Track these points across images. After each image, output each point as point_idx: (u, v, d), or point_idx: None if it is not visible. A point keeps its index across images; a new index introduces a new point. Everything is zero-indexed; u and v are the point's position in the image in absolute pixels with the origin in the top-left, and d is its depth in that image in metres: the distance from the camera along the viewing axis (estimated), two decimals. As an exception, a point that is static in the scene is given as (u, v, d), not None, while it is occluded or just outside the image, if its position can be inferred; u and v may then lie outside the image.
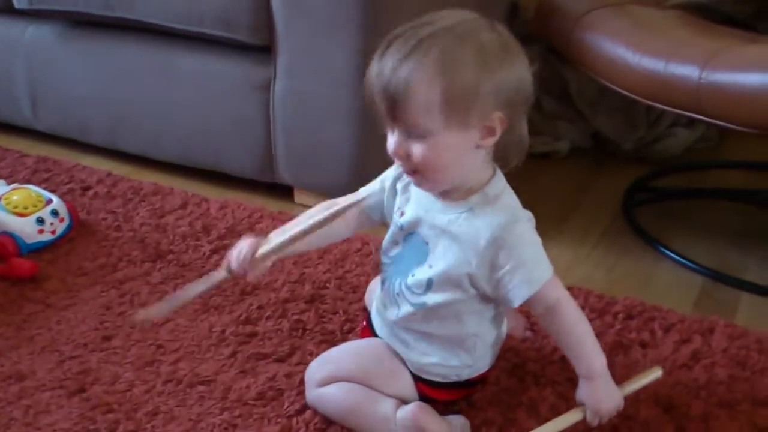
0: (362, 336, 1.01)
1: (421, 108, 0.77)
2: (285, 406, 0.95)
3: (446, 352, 0.89)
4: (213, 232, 1.34)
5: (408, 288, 0.88)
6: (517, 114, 0.81)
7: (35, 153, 1.65)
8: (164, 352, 1.05)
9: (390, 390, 0.90)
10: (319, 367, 0.94)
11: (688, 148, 1.74)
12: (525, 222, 0.84)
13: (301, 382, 0.97)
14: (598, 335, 1.07)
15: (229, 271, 0.92)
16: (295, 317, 1.11)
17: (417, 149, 0.79)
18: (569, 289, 1.16)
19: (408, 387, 0.91)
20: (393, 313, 0.91)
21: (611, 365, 1.01)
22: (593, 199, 1.55)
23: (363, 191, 0.96)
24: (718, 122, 1.15)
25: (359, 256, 1.27)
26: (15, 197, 1.30)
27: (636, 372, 1.01)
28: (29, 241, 1.26)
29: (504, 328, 0.96)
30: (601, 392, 0.85)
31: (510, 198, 0.86)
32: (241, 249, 0.91)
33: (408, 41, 0.77)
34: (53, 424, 0.92)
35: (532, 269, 0.82)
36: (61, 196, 1.37)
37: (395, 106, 0.78)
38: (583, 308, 1.13)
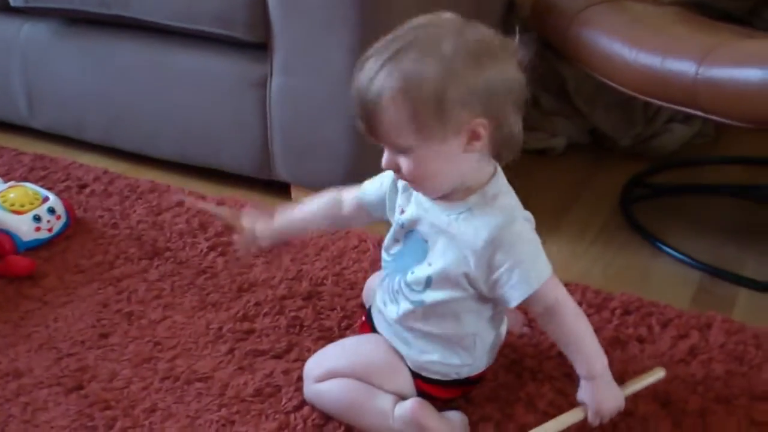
0: (361, 332, 1.01)
1: (393, 128, 0.78)
2: (283, 403, 0.95)
3: (446, 350, 0.89)
4: (210, 229, 1.34)
5: (407, 285, 0.88)
6: (504, 115, 0.79)
7: (32, 151, 1.65)
8: (162, 349, 1.05)
9: (388, 386, 0.90)
10: (317, 363, 0.94)
11: (686, 143, 1.74)
12: (523, 222, 0.84)
13: (299, 378, 0.97)
14: (596, 331, 1.07)
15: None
16: (293, 314, 1.11)
17: (403, 163, 0.81)
18: (566, 284, 1.17)
19: (406, 383, 0.91)
20: (392, 311, 0.91)
21: (609, 361, 1.02)
22: (591, 195, 1.55)
23: (366, 185, 0.97)
24: (714, 118, 1.15)
25: (356, 252, 1.27)
26: (12, 195, 1.30)
27: (633, 367, 1.01)
28: (26, 238, 1.26)
29: (504, 328, 0.96)
30: (603, 392, 0.85)
31: (509, 197, 0.86)
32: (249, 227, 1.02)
33: (378, 58, 0.77)
34: (51, 421, 0.92)
35: (530, 269, 0.82)
36: (57, 194, 1.37)
37: (370, 126, 0.80)
38: (580, 304, 1.13)
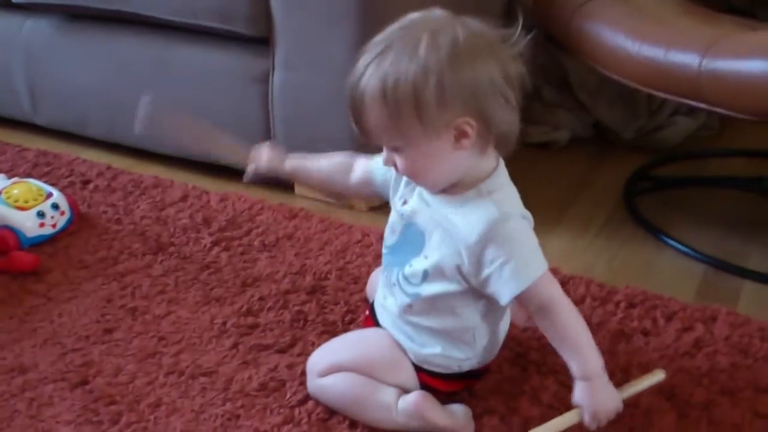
0: (365, 326, 1.01)
1: (378, 128, 0.79)
2: (287, 397, 0.95)
3: (447, 343, 0.89)
4: (214, 224, 1.34)
5: (405, 278, 0.88)
6: (491, 112, 0.78)
7: (35, 147, 1.65)
8: (166, 344, 1.05)
9: (391, 379, 0.90)
10: (320, 358, 0.94)
11: (690, 136, 1.73)
12: (518, 219, 0.83)
13: (303, 372, 0.97)
14: (600, 324, 1.08)
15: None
16: (297, 308, 1.11)
17: (398, 161, 0.82)
18: (570, 278, 1.18)
19: (409, 376, 0.91)
20: (392, 304, 0.92)
21: (613, 354, 1.02)
22: (594, 189, 1.54)
23: (377, 160, 0.95)
24: (718, 110, 1.15)
25: (360, 247, 1.27)
26: (15, 191, 1.30)
27: (638, 360, 1.01)
28: (30, 234, 1.26)
29: (507, 321, 0.96)
30: (599, 394, 0.82)
31: (506, 194, 0.85)
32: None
33: (367, 57, 0.78)
34: (56, 416, 0.93)
35: (522, 266, 0.81)
36: (61, 190, 1.37)
37: (359, 125, 0.81)
38: (584, 297, 1.14)
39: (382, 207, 0.97)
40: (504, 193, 0.84)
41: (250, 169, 1.04)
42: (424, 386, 0.91)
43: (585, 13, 1.36)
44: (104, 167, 1.55)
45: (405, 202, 0.90)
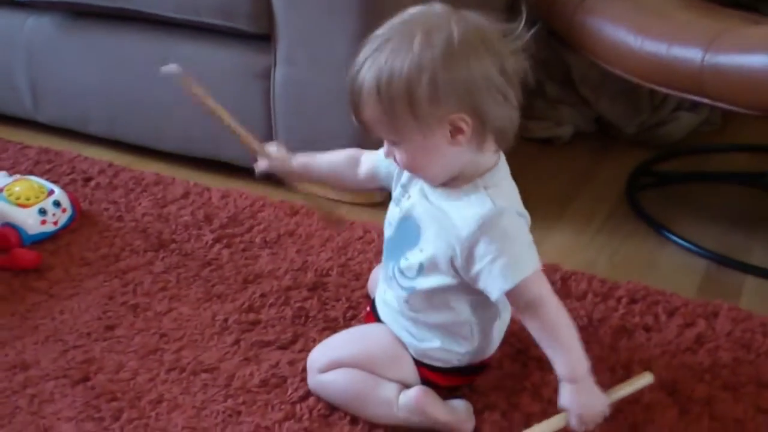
0: (366, 322, 1.01)
1: (374, 122, 0.80)
2: (288, 393, 0.95)
3: (446, 337, 0.89)
4: (215, 221, 1.34)
5: (401, 272, 0.89)
6: (486, 109, 0.78)
7: (37, 144, 1.65)
8: (168, 340, 1.05)
9: (392, 375, 0.90)
10: (321, 354, 0.94)
11: (692, 131, 1.73)
12: (512, 215, 0.82)
13: (304, 369, 0.97)
14: (602, 320, 1.08)
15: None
16: (298, 305, 1.11)
17: (397, 154, 0.83)
18: (572, 273, 1.18)
19: (410, 372, 0.91)
20: (391, 298, 0.92)
21: (615, 349, 1.02)
22: (596, 184, 1.54)
23: (381, 153, 0.95)
24: (721, 105, 1.14)
25: (361, 243, 1.27)
26: (17, 188, 1.30)
27: (640, 356, 1.01)
28: (32, 231, 1.26)
29: (507, 316, 0.96)
30: (586, 396, 0.81)
31: (503, 190, 0.84)
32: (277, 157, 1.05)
33: (365, 52, 0.79)
34: (58, 413, 0.93)
35: (513, 263, 0.80)
36: (63, 187, 1.37)
37: (358, 118, 0.82)
38: (586, 293, 1.14)
39: (384, 203, 0.97)
40: (501, 188, 0.84)
41: (262, 165, 1.06)
42: (425, 381, 0.91)
43: (587, 8, 1.36)
44: (106, 164, 1.55)
45: (406, 195, 0.90)
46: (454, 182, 0.84)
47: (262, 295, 1.14)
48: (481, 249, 0.80)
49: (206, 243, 1.28)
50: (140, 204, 1.41)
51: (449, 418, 0.88)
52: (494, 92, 0.78)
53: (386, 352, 0.91)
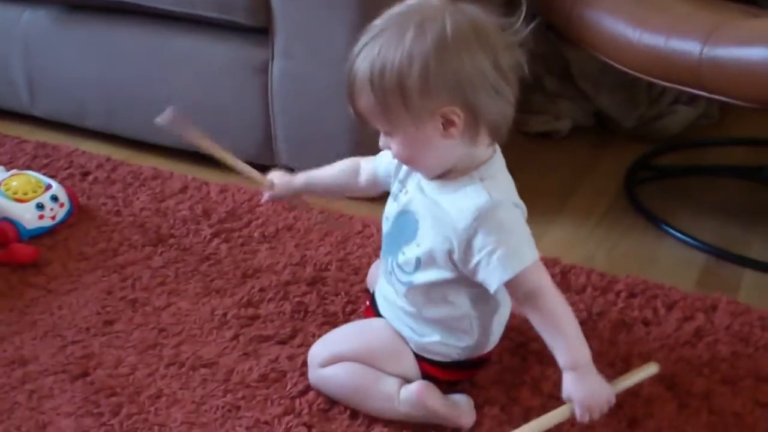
0: (366, 317, 1.02)
1: (367, 112, 0.81)
2: (288, 388, 0.95)
3: (446, 332, 0.89)
4: (213, 215, 1.34)
5: (399, 266, 0.89)
6: (478, 102, 0.78)
7: (34, 139, 1.64)
8: (167, 335, 1.05)
9: (393, 369, 0.90)
10: (321, 348, 0.94)
11: (690, 125, 1.73)
12: (509, 207, 0.82)
13: (304, 363, 0.97)
14: (601, 314, 1.08)
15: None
16: (297, 299, 1.11)
17: (392, 145, 0.83)
18: (571, 267, 1.18)
19: (411, 366, 0.91)
20: (391, 293, 0.92)
21: (614, 343, 1.02)
22: (595, 178, 1.54)
23: (380, 156, 0.97)
24: (719, 98, 1.14)
25: (360, 237, 1.27)
26: (14, 183, 1.30)
27: (639, 349, 1.01)
28: (29, 226, 1.26)
29: (507, 310, 0.95)
30: (590, 385, 0.80)
31: (499, 182, 0.84)
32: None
33: (361, 42, 0.79)
34: (57, 408, 0.93)
35: (511, 254, 0.80)
36: (60, 182, 1.36)
37: (353, 108, 0.82)
38: (585, 287, 1.14)
39: (383, 198, 0.97)
40: (497, 180, 0.84)
41: (267, 195, 1.08)
42: (425, 376, 0.91)
43: (585, 1, 1.36)
44: (103, 159, 1.55)
45: (404, 190, 0.90)
46: (449, 175, 0.84)
47: (261, 290, 1.13)
48: (479, 241, 0.80)
49: (205, 237, 1.28)
50: (138, 198, 1.40)
51: (450, 412, 0.89)
52: (487, 86, 0.78)
53: (387, 347, 0.91)
